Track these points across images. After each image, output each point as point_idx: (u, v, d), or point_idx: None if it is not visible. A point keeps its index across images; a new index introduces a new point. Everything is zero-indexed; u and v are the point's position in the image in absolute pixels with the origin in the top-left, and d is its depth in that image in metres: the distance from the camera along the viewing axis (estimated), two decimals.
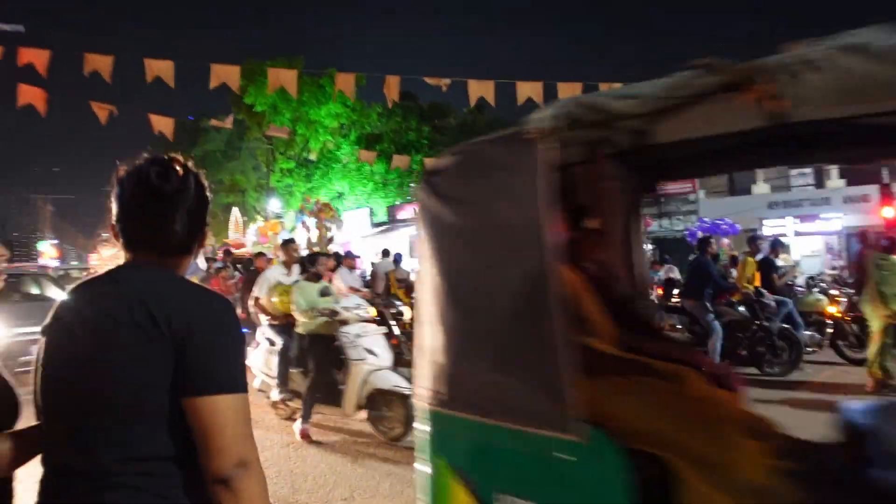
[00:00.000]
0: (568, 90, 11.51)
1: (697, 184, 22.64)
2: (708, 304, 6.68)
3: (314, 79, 28.30)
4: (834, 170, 20.68)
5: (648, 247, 21.53)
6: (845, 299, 7.98)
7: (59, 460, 1.17)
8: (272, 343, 6.12)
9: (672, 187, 22.89)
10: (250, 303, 6.71)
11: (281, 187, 31.65)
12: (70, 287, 1.30)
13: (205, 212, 1.35)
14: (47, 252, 32.22)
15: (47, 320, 1.23)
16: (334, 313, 5.57)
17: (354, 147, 27.59)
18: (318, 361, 5.55)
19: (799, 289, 10.30)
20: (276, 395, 5.96)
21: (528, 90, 11.46)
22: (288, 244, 7.10)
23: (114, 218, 1.28)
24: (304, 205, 21.40)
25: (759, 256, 7.69)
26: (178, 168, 1.28)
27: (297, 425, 5.54)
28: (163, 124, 12.27)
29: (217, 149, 37.90)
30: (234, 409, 1.14)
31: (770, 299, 6.85)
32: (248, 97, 28.78)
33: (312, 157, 29.91)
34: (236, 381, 1.18)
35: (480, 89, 11.07)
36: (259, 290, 6.37)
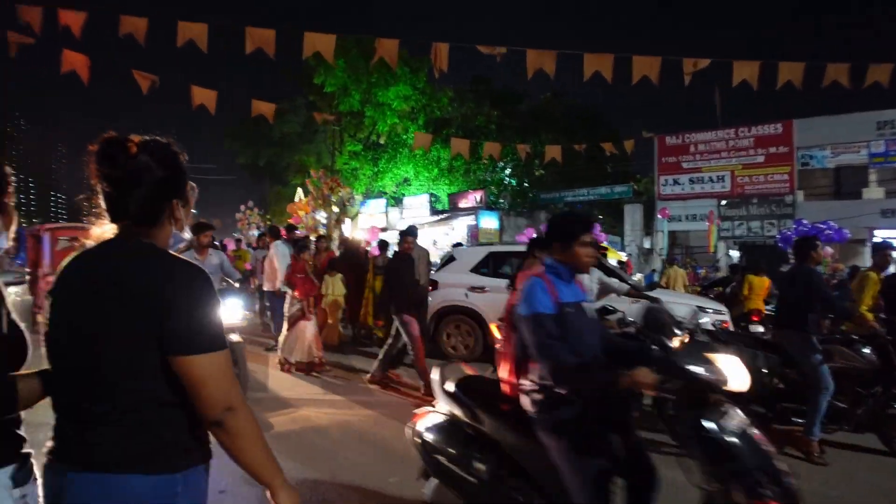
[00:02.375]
0: (644, 65, 9.87)
1: (796, 183, 20.08)
2: (814, 339, 4.56)
3: (382, 59, 27.46)
4: None
5: (735, 253, 19.31)
6: None
7: (65, 403, 1.36)
8: None
9: (765, 186, 20.45)
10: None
11: (346, 170, 31.16)
12: (70, 258, 1.44)
13: (169, 186, 1.43)
14: None
15: (53, 288, 1.40)
16: None
17: (421, 131, 26.56)
18: None
19: None
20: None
21: (595, 64, 9.88)
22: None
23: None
24: (309, 179, 19.79)
25: (889, 272, 5.64)
26: (129, 146, 1.37)
27: None
28: (264, 108, 12.04)
29: (293, 131, 38.28)
30: (215, 365, 1.32)
31: None
32: (318, 77, 28.44)
33: (382, 140, 29.41)
34: (213, 341, 1.33)
35: (539, 60, 9.60)
36: None
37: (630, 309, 5.08)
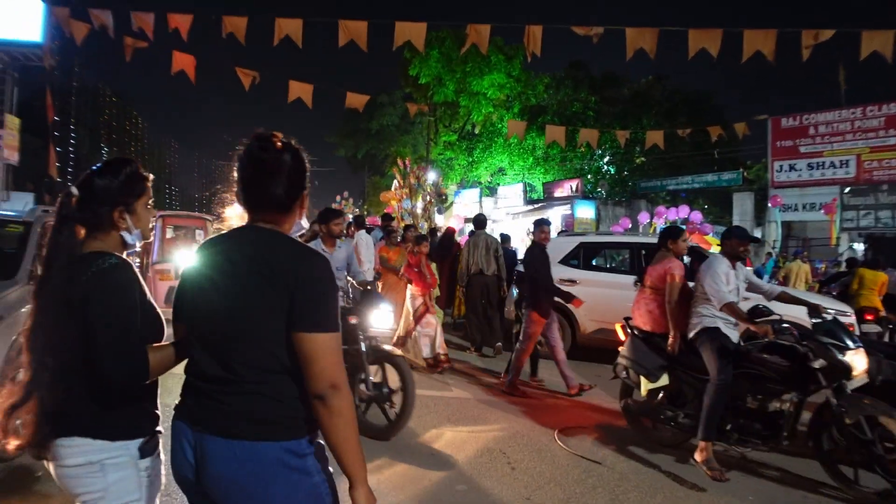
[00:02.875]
0: (757, 40, 9.16)
1: None
2: None
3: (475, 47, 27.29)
4: None
5: (859, 246, 17.57)
6: None
7: (201, 369, 1.52)
8: None
9: (889, 173, 18.43)
10: None
11: (441, 161, 31.40)
12: (205, 242, 1.67)
13: (302, 178, 1.63)
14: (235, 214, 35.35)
15: (190, 267, 1.61)
16: None
17: (516, 119, 26.21)
18: None
19: None
20: None
21: (701, 40, 9.28)
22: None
23: (236, 185, 1.62)
24: (396, 168, 19.37)
25: None
26: (276, 142, 1.57)
27: None
28: (358, 101, 12.57)
29: (391, 123, 39.13)
30: (328, 344, 1.45)
31: None
32: (413, 69, 28.79)
33: (477, 130, 29.37)
34: (329, 322, 1.47)
35: (639, 38, 9.12)
36: None
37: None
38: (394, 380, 4.60)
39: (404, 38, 9.83)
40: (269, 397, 1.45)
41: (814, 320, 3.95)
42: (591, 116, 25.72)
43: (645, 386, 4.54)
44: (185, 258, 8.30)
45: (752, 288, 4.50)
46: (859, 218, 19.03)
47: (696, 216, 16.71)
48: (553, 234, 7.79)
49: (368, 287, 5.17)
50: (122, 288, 1.60)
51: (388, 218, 10.93)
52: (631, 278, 6.93)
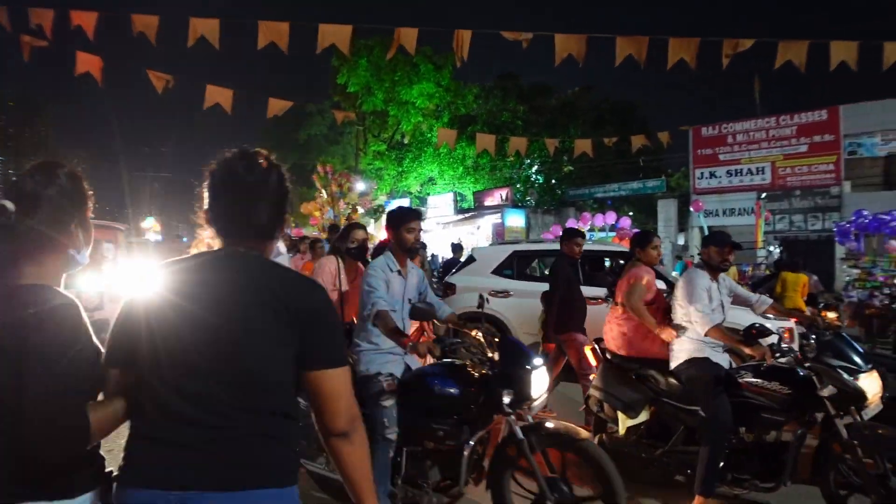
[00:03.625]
0: (681, 48, 9.15)
1: (842, 173, 18.93)
2: None
3: (407, 57, 27.18)
4: None
5: (775, 249, 18.27)
6: None
7: (176, 417, 1.26)
8: None
9: (809, 178, 19.32)
10: None
11: (370, 171, 30.81)
12: (169, 263, 1.39)
13: (285, 201, 1.46)
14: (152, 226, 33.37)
15: (143, 297, 1.33)
16: None
17: (447, 129, 25.99)
18: None
19: None
20: None
21: (628, 47, 9.16)
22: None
23: (206, 206, 1.42)
24: (316, 175, 18.55)
25: None
26: (261, 161, 1.41)
27: None
28: (280, 106, 11.81)
29: (320, 133, 38.29)
30: (346, 379, 1.37)
31: None
32: (341, 77, 28.22)
33: (406, 140, 28.99)
34: (343, 356, 1.41)
35: (568, 45, 8.91)
36: None
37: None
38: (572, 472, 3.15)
39: (329, 41, 9.30)
40: (271, 440, 1.32)
41: (813, 336, 3.33)
42: (519, 126, 25.79)
43: (623, 423, 3.80)
44: (96, 282, 6.99)
45: (738, 300, 3.93)
46: (775, 222, 19.82)
47: (626, 222, 16.90)
48: (484, 243, 7.38)
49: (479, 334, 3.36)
50: (62, 336, 1.26)
51: (333, 229, 9.46)
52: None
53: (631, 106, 28.84)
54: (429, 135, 27.84)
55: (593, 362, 4.31)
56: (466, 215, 24.56)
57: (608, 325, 4.22)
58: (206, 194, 1.42)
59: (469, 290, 7.24)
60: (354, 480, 1.38)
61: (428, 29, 9.43)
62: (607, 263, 8.23)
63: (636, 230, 16.93)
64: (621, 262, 9.05)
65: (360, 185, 29.68)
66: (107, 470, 1.41)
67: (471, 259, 7.93)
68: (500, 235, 20.70)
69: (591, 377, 4.32)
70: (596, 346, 4.29)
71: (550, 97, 29.58)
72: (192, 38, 9.36)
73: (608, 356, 4.13)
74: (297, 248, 7.97)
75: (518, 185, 27.37)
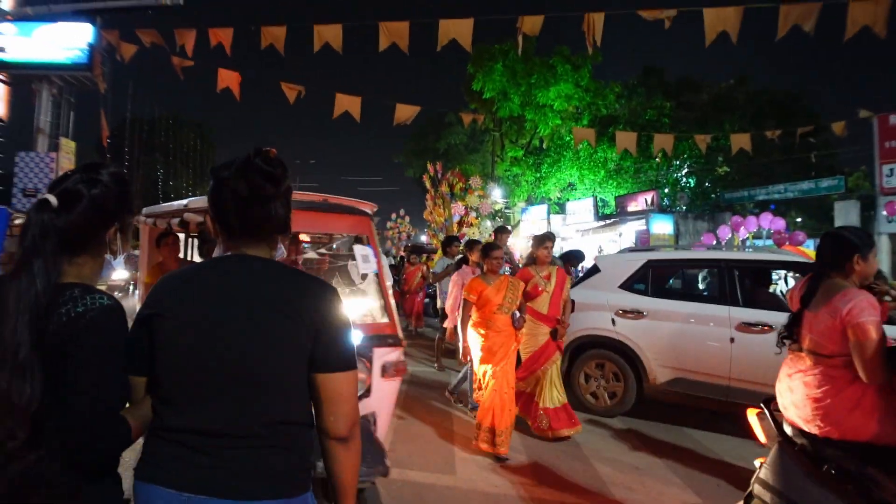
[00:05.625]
0: (864, 13, 7.64)
1: None
2: None
3: (544, 59, 26.44)
4: None
5: None
6: None
7: (193, 423, 1.27)
8: None
9: None
10: None
11: (507, 178, 30.37)
12: (180, 270, 1.41)
13: (290, 196, 1.46)
14: None
15: (158, 303, 1.32)
16: None
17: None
18: None
19: None
20: None
21: (794, 16, 7.86)
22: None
23: (215, 211, 1.40)
24: (426, 175, 16.99)
25: None
26: (276, 158, 1.39)
27: None
28: (408, 113, 12.04)
29: (460, 141, 38.85)
30: (353, 382, 1.38)
31: None
32: (476, 83, 28.09)
33: (545, 144, 28.19)
34: (353, 359, 1.40)
35: (721, 20, 7.77)
36: None
37: None
38: None
39: (449, 36, 9.03)
40: (284, 450, 1.30)
41: None
42: (666, 124, 23.92)
43: None
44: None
45: None
46: None
47: (779, 223, 14.71)
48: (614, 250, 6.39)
49: None
50: (112, 340, 1.29)
51: (451, 241, 8.69)
52: (718, 309, 5.38)
53: (795, 96, 25.65)
54: (567, 138, 26.82)
55: (762, 437, 2.80)
56: (608, 222, 23.19)
57: (787, 383, 2.66)
58: (215, 195, 1.40)
59: (591, 307, 6.06)
60: (343, 483, 1.37)
61: (554, 15, 8.76)
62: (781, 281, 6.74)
63: (798, 232, 14.72)
64: (796, 275, 7.33)
65: (496, 192, 29.41)
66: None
67: (594, 269, 6.49)
68: (644, 243, 19.19)
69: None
70: (766, 412, 2.75)
71: (700, 92, 27.21)
72: (318, 44, 9.53)
73: (787, 432, 2.60)
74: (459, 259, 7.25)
75: (665, 189, 25.42)
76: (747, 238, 15.51)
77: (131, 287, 13.82)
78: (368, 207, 3.97)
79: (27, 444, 1.21)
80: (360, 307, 3.84)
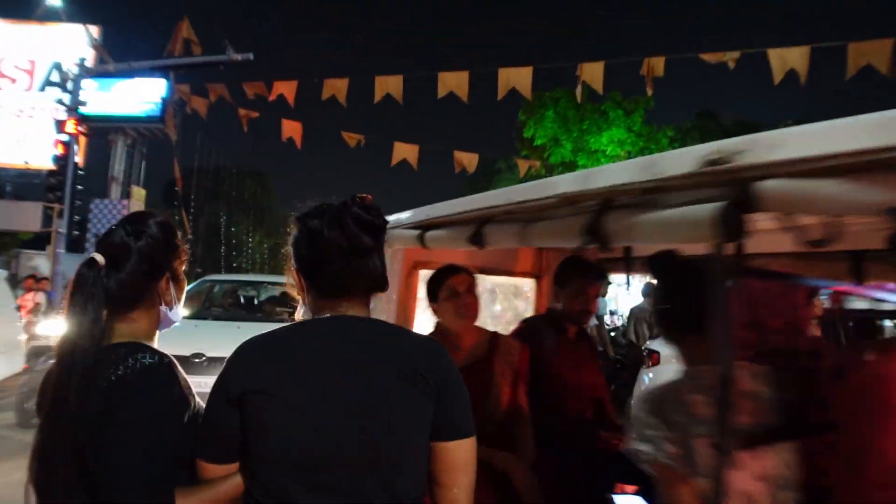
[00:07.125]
0: None
1: None
2: None
3: (595, 105, 26.58)
4: None
5: None
6: None
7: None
8: None
9: None
10: None
11: None
12: (269, 335, 1.20)
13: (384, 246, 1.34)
14: None
15: (255, 370, 1.13)
16: None
17: None
18: None
19: None
20: None
21: (864, 54, 7.59)
22: None
23: (302, 264, 1.27)
24: None
25: None
26: (375, 204, 1.26)
27: None
28: (466, 160, 12.34)
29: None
30: (473, 449, 1.21)
31: None
32: (528, 130, 28.44)
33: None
34: (472, 425, 1.23)
35: (788, 58, 7.58)
36: None
37: None
38: None
39: (509, 85, 9.19)
40: None
41: None
42: None
43: None
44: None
45: None
46: None
47: None
48: None
49: None
50: (160, 401, 1.17)
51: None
52: None
53: None
54: None
55: None
56: None
57: None
58: (304, 247, 1.25)
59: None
60: None
61: (615, 62, 8.79)
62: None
63: None
64: None
65: None
66: None
67: None
68: None
69: None
70: None
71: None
72: (379, 94, 9.82)
73: None
74: None
75: None
76: None
77: None
78: None
79: None
80: None
